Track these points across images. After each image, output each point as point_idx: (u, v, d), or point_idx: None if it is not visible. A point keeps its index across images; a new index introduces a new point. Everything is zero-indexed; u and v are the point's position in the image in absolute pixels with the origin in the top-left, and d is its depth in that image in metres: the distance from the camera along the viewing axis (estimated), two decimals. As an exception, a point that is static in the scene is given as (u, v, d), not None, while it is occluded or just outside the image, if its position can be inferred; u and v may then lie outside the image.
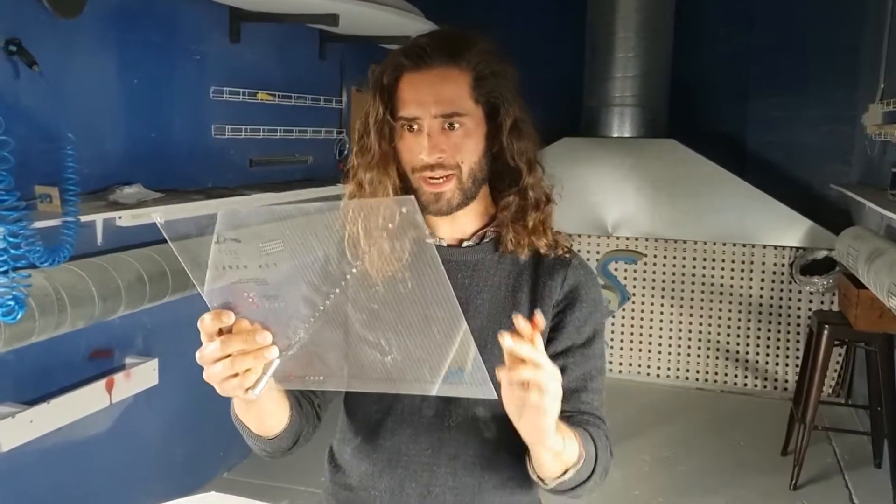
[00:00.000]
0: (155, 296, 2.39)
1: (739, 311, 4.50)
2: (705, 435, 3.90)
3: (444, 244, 1.17)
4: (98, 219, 2.34)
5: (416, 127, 1.10)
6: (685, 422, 4.09)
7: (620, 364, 4.71)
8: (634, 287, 4.64)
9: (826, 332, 3.30)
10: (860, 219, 4.12)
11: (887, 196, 3.27)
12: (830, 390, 4.26)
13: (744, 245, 4.45)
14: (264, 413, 1.06)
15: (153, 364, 2.70)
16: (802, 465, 3.27)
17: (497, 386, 0.87)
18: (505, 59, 1.15)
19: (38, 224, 2.00)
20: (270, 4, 3.05)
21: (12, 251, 1.88)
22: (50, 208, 2.08)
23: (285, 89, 3.46)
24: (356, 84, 4.08)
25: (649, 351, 4.67)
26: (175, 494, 1.53)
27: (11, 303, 1.86)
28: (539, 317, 0.88)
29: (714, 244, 4.49)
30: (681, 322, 4.60)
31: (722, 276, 4.50)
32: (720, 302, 4.52)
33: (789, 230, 4.35)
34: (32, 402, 2.23)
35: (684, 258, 4.54)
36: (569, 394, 1.05)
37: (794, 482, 3.28)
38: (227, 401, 1.05)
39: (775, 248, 4.41)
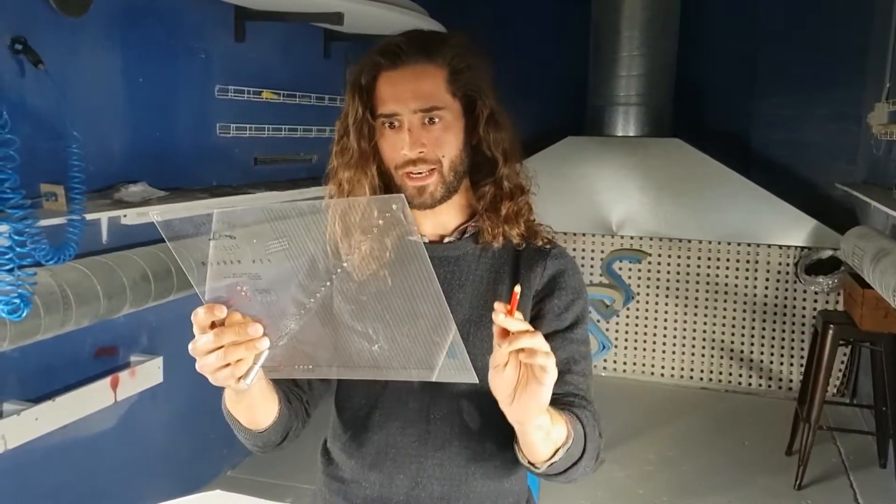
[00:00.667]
0: (160, 294, 2.40)
1: (744, 311, 4.49)
2: (710, 434, 3.90)
3: (426, 240, 1.19)
4: (103, 217, 2.34)
5: (396, 124, 1.13)
6: (690, 421, 4.08)
7: (625, 363, 4.71)
8: (639, 286, 4.63)
9: (831, 331, 3.30)
10: (866, 218, 4.11)
11: (893, 195, 3.26)
12: (835, 390, 4.26)
13: (748, 244, 4.44)
14: (254, 405, 1.08)
15: (158, 362, 2.71)
16: (807, 464, 3.26)
17: (480, 372, 0.91)
18: (480, 53, 1.18)
19: (44, 222, 2.00)
20: (275, 3, 3.05)
21: (18, 249, 1.89)
22: (55, 206, 2.08)
23: (290, 88, 3.47)
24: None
25: (654, 350, 4.66)
26: (179, 492, 1.54)
27: (17, 301, 1.86)
28: (518, 289, 0.90)
29: (719, 243, 4.48)
30: (685, 321, 4.59)
31: (727, 276, 4.49)
32: (725, 301, 4.51)
33: (794, 229, 4.34)
34: (38, 400, 2.24)
35: (689, 257, 4.53)
36: None
37: (798, 482, 3.28)
38: (231, 399, 1.06)
39: (780, 247, 4.39)
